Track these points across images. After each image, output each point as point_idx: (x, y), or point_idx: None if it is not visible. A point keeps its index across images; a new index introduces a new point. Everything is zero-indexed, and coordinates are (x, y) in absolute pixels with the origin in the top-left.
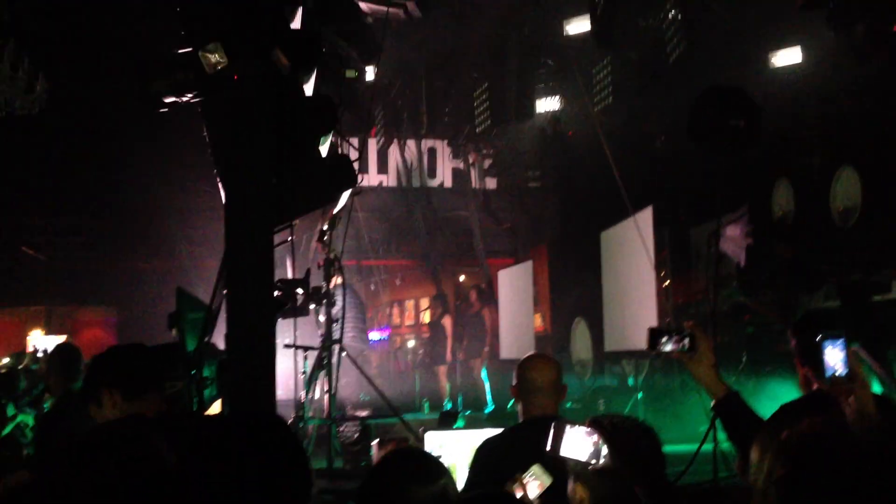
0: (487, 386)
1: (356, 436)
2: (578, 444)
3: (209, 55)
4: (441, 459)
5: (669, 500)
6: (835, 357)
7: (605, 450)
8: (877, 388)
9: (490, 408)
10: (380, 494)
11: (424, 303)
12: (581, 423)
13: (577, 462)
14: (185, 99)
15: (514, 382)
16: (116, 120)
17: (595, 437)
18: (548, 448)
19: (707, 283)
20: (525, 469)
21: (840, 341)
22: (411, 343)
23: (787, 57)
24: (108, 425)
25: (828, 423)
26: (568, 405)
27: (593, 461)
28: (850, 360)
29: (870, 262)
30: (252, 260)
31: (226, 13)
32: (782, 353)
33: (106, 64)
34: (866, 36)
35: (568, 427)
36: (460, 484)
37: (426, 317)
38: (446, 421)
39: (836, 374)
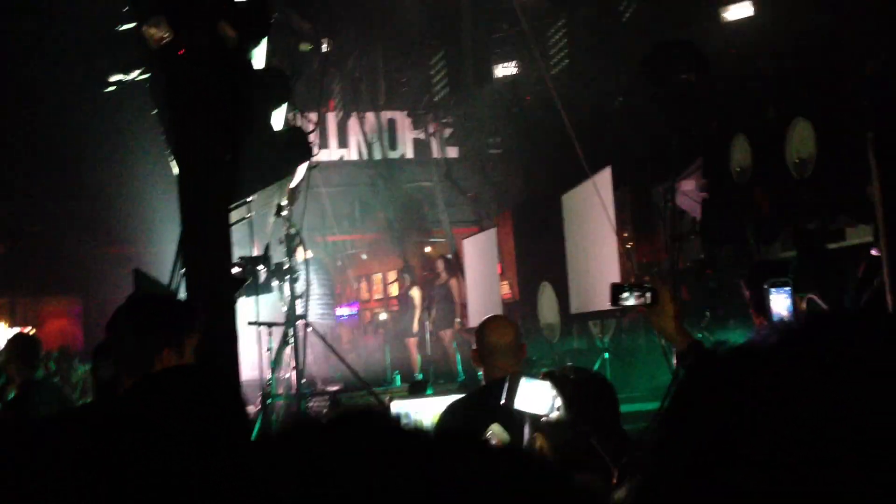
0: (458, 355)
1: (325, 411)
2: (533, 397)
3: (153, 30)
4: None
5: (625, 451)
6: (781, 303)
7: (558, 402)
8: None
9: (461, 377)
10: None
11: (392, 276)
12: (536, 377)
13: (533, 415)
14: (131, 76)
15: (473, 347)
16: (68, 103)
17: (549, 390)
18: (502, 401)
19: (666, 240)
20: (485, 429)
21: (786, 289)
22: (382, 317)
23: (739, 11)
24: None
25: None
26: (537, 369)
27: (547, 414)
28: (797, 305)
29: (825, 211)
30: (209, 238)
31: None
32: (745, 306)
33: (51, 45)
34: None
35: (523, 380)
36: None
37: (394, 290)
38: (416, 391)
39: (783, 319)
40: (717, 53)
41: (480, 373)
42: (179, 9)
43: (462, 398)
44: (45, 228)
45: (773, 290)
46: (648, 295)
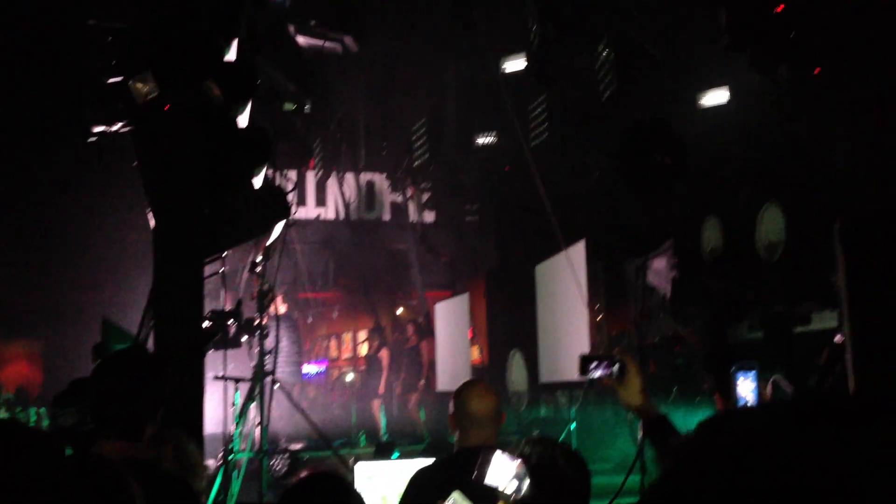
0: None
1: (285, 469)
2: (503, 472)
3: (140, 85)
4: (372, 490)
5: None
6: (746, 388)
7: (527, 480)
8: None
9: (427, 440)
10: None
11: (362, 335)
12: (508, 452)
13: (500, 492)
14: (114, 128)
15: (451, 411)
16: (39, 149)
17: (519, 468)
18: (474, 475)
19: (636, 315)
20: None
21: (751, 372)
22: (349, 377)
23: (715, 97)
24: None
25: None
26: (503, 437)
27: (515, 491)
28: (762, 389)
29: (792, 295)
30: (181, 291)
31: (157, 43)
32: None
33: (32, 93)
34: (789, 78)
35: (496, 454)
36: None
37: (363, 349)
38: (382, 453)
39: (748, 403)
40: (693, 137)
41: (453, 438)
42: (167, 65)
43: (431, 465)
44: (7, 273)
45: (739, 373)
46: (616, 367)
